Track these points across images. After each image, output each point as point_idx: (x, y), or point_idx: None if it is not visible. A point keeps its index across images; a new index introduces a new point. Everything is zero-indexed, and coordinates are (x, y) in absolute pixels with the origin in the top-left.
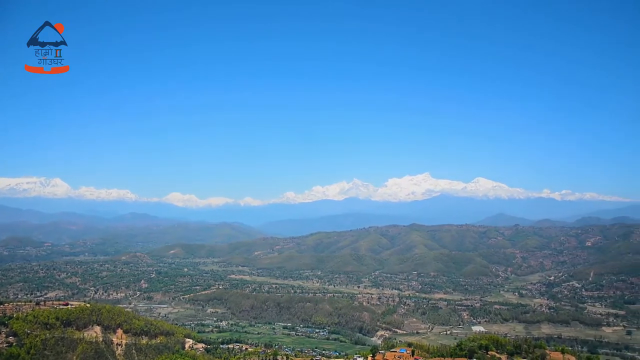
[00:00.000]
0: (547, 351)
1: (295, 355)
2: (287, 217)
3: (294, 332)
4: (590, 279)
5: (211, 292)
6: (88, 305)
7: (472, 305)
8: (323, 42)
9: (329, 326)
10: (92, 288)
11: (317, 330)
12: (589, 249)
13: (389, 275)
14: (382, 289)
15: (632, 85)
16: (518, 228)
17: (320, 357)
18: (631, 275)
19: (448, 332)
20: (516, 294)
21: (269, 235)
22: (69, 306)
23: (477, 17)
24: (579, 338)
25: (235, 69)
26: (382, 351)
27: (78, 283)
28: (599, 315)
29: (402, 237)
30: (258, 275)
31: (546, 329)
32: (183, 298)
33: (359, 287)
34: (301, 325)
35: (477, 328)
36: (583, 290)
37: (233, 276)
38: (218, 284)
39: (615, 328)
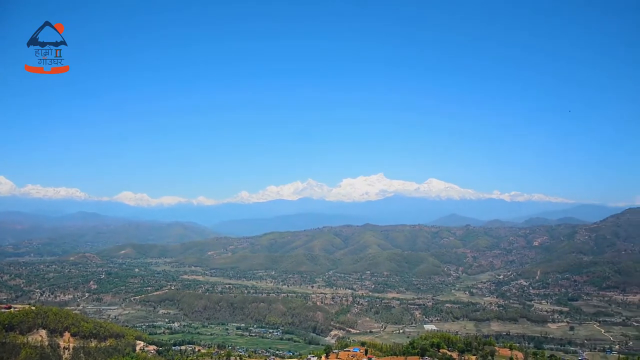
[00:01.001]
0: (496, 348)
1: (249, 356)
2: (241, 217)
3: (247, 333)
4: (537, 277)
5: (163, 293)
6: (33, 308)
7: (424, 304)
8: (279, 40)
9: (282, 326)
10: (37, 290)
11: (271, 331)
12: (537, 249)
13: (342, 275)
14: (336, 289)
15: (579, 91)
16: (469, 228)
17: (274, 357)
18: (575, 274)
19: (401, 331)
20: (467, 292)
21: (222, 235)
22: (11, 309)
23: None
24: (526, 334)
25: (191, 67)
26: (336, 350)
27: (22, 285)
28: (544, 312)
29: (355, 237)
30: (211, 276)
31: (495, 327)
32: (134, 299)
33: (312, 287)
34: (255, 326)
35: (429, 326)
36: (530, 288)
37: (186, 276)
38: (170, 285)
39: (559, 324)
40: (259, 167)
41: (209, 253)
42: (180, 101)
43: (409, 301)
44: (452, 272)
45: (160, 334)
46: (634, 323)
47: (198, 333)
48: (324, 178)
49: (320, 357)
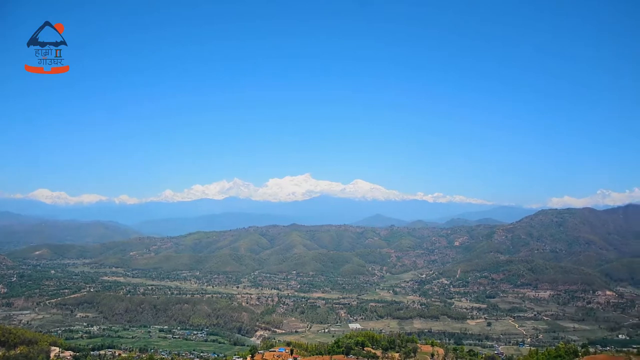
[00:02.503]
0: (418, 345)
1: (172, 359)
2: (165, 216)
3: (170, 335)
4: (457, 276)
5: (81, 296)
6: None
7: (349, 304)
8: (208, 43)
9: (207, 327)
10: None
11: (195, 332)
12: (457, 248)
13: (268, 275)
14: (262, 289)
15: (497, 95)
16: (393, 229)
17: (198, 359)
18: (492, 272)
19: (326, 330)
20: (391, 291)
21: (145, 234)
22: None
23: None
24: (446, 331)
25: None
26: (261, 351)
27: None
28: (464, 310)
29: (282, 237)
30: (133, 277)
31: (418, 324)
32: (49, 303)
33: (238, 287)
34: (178, 328)
35: (353, 325)
36: (451, 286)
37: (106, 278)
38: (89, 287)
39: (478, 320)
40: (184, 165)
41: (131, 253)
42: (101, 96)
43: (334, 300)
44: (376, 271)
45: (77, 338)
46: (544, 317)
47: (119, 337)
48: (250, 177)
49: (246, 358)
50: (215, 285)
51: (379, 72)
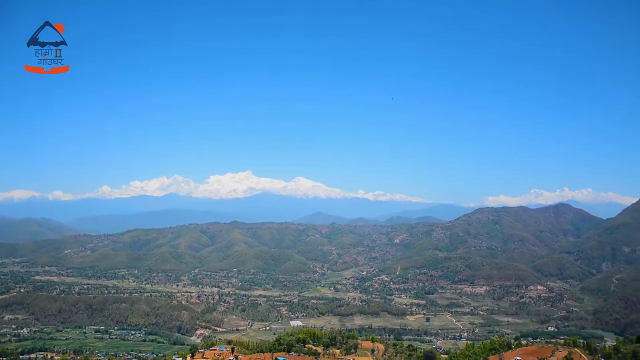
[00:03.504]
0: (359, 341)
1: None
2: (102, 213)
3: (107, 336)
4: (397, 273)
5: (10, 297)
6: None
7: (290, 301)
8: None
9: (146, 327)
10: None
11: (134, 332)
12: (397, 246)
13: (209, 273)
14: (202, 287)
15: (424, 94)
16: (335, 226)
17: (136, 359)
18: (431, 269)
19: (267, 328)
20: (332, 288)
21: (81, 232)
22: None
23: None
24: (387, 327)
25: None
26: (202, 350)
27: None
28: (404, 306)
29: (222, 235)
30: (68, 276)
31: (359, 321)
32: None
33: (178, 285)
34: (116, 328)
35: (295, 322)
36: (391, 283)
37: (38, 277)
38: (19, 287)
39: (417, 316)
40: (122, 161)
41: (65, 252)
42: (32, 87)
43: (276, 298)
44: (317, 269)
45: (5, 342)
46: (480, 312)
47: (51, 339)
48: (191, 174)
49: (186, 357)
50: (155, 284)
51: (318, 68)
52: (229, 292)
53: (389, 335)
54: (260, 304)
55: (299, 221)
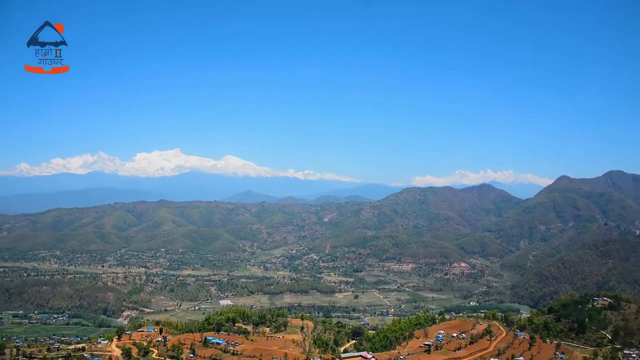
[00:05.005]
0: (288, 319)
1: (29, 346)
2: (19, 192)
3: (27, 320)
4: (327, 251)
5: None
6: None
7: (220, 280)
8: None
9: (69, 310)
10: None
11: (56, 316)
12: (327, 224)
13: (136, 253)
14: (129, 268)
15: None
16: (264, 205)
17: (58, 344)
18: (360, 247)
19: (197, 308)
20: (262, 267)
21: None
22: None
23: None
24: (316, 305)
25: None
26: (129, 332)
27: None
28: (333, 284)
29: (150, 214)
30: None
31: (288, 299)
32: None
33: (103, 266)
34: (36, 312)
35: (224, 302)
36: (320, 261)
37: None
38: None
39: (345, 293)
40: (42, 136)
41: None
42: None
43: (205, 277)
44: (247, 247)
45: None
46: (406, 289)
47: None
48: (116, 151)
49: (112, 340)
50: (78, 265)
51: (248, 46)
52: (156, 272)
53: (318, 313)
54: (189, 284)
55: (229, 200)
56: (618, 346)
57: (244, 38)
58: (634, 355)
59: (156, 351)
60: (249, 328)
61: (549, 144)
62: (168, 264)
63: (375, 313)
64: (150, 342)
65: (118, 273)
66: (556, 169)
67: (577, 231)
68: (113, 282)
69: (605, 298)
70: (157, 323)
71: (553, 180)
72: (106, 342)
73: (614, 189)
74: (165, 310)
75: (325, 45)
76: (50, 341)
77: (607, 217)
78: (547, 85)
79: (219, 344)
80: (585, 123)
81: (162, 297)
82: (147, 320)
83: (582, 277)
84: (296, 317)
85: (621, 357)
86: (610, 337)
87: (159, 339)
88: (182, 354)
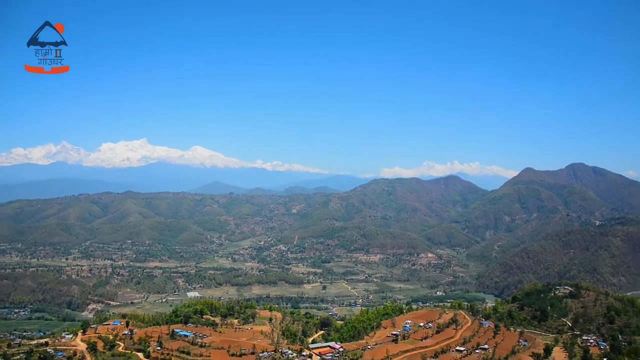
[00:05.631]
0: (257, 310)
1: None
2: None
3: None
4: (295, 242)
5: None
6: None
7: (187, 272)
8: None
9: (31, 304)
10: None
11: (17, 310)
12: (295, 216)
13: (101, 245)
14: (94, 260)
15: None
16: (232, 196)
17: (20, 340)
18: (328, 238)
19: (164, 300)
20: (230, 259)
21: None
22: None
23: None
24: (284, 296)
25: None
26: (94, 325)
27: None
28: (301, 275)
29: (115, 205)
30: None
31: (257, 290)
32: None
33: (67, 259)
34: None
35: (192, 294)
36: (289, 252)
37: None
38: None
39: (314, 284)
40: (1, 125)
41: None
42: None
43: (172, 269)
44: (215, 239)
45: None
46: (374, 279)
47: None
48: (81, 141)
49: (77, 334)
50: (41, 258)
51: (218, 39)
52: (122, 264)
53: (287, 304)
54: (155, 276)
55: (196, 191)
56: (577, 333)
57: (209, 32)
58: (591, 341)
59: (122, 344)
60: (217, 320)
61: (514, 135)
62: (134, 256)
63: (343, 304)
64: (116, 335)
65: (83, 266)
66: (521, 161)
67: (541, 222)
68: (78, 275)
69: (566, 287)
70: (124, 316)
71: (518, 172)
72: (71, 336)
73: (576, 180)
74: (132, 303)
75: (288, 36)
76: (11, 337)
77: (569, 208)
78: (513, 79)
79: (186, 336)
80: (549, 116)
81: (129, 289)
82: (113, 313)
83: (544, 267)
84: (265, 309)
85: (580, 343)
86: (570, 324)
87: (126, 332)
88: (149, 347)
